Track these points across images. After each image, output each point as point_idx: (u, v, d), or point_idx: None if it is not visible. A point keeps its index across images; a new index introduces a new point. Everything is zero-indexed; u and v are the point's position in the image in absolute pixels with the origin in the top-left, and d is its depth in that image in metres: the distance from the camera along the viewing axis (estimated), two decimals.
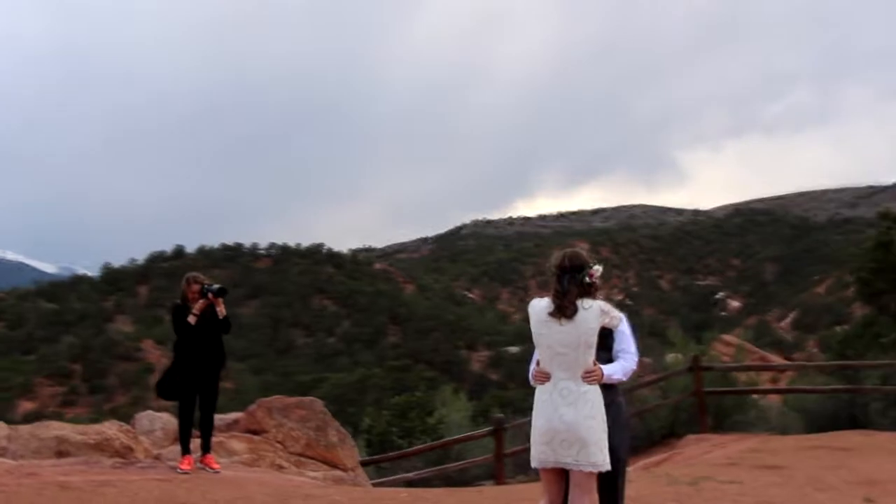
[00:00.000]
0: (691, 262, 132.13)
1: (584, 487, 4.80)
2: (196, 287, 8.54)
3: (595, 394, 4.80)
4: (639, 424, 14.47)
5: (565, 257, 4.97)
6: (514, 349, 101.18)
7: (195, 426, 8.63)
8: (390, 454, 13.45)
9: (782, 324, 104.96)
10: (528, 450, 5.05)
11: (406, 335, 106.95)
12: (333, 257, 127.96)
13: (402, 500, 7.61)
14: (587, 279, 4.90)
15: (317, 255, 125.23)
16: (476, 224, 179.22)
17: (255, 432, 10.39)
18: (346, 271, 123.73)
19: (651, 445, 14.45)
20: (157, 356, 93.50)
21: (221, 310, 8.65)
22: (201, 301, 8.48)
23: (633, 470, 9.59)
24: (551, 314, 4.86)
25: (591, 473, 4.77)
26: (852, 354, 17.00)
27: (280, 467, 9.67)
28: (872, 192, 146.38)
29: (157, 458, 9.05)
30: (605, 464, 4.76)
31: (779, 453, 9.93)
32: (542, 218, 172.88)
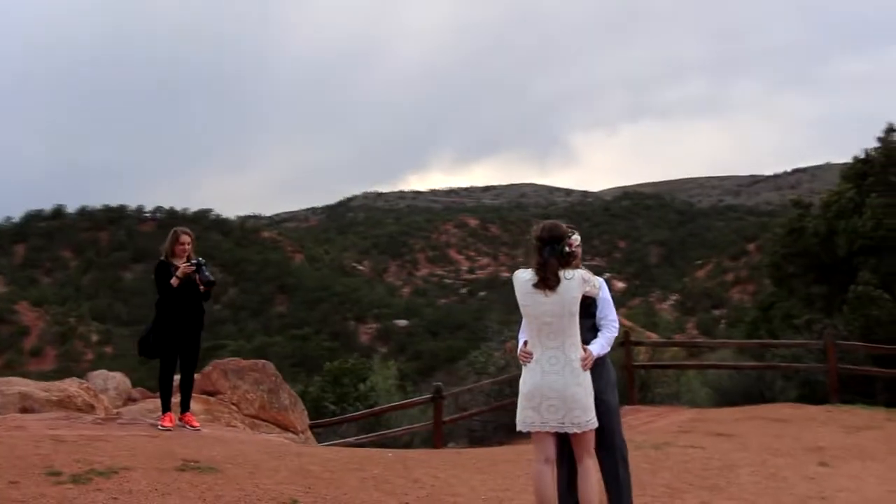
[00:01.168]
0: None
1: (585, 447, 5.07)
2: (185, 245, 8.23)
3: (578, 360, 5.01)
4: None
5: (544, 229, 5.13)
6: (402, 322, 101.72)
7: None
8: (335, 419, 13.44)
9: (664, 305, 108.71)
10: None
11: (294, 305, 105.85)
12: (221, 224, 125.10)
13: (388, 460, 7.64)
14: (567, 249, 5.05)
15: (204, 221, 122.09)
16: (367, 196, 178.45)
17: (210, 394, 10.24)
18: (234, 238, 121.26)
19: None
20: (33, 318, 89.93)
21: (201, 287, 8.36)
22: (185, 265, 8.24)
23: None
24: (536, 286, 5.00)
25: (589, 433, 5.02)
26: (763, 334, 17.78)
27: (234, 428, 9.53)
28: (754, 182, 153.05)
29: (118, 416, 8.79)
30: (588, 424, 4.99)
31: (723, 423, 10.42)
32: (434, 193, 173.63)
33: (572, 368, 4.98)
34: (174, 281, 8.10)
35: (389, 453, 8.41)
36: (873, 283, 15.28)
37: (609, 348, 5.33)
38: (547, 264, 4.98)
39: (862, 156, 17.68)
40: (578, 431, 5.00)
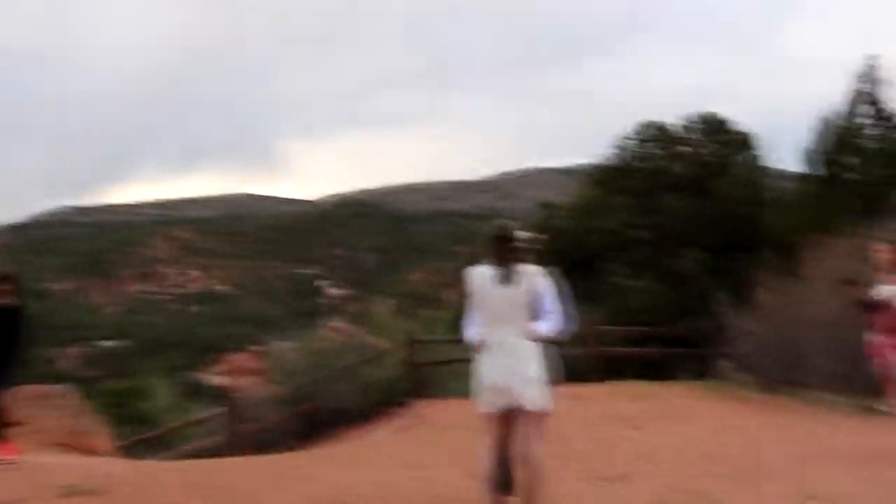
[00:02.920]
0: (296, 252, 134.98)
1: (535, 426, 5.54)
2: None
3: (533, 347, 5.53)
4: (361, 397, 15.32)
5: (499, 227, 5.68)
6: (109, 343, 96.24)
7: None
8: (144, 436, 13.02)
9: (382, 310, 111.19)
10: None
11: None
12: None
13: (266, 463, 7.79)
14: (518, 245, 5.62)
15: None
16: (63, 210, 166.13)
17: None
18: None
19: (369, 416, 15.32)
20: None
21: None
22: None
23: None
24: (494, 279, 5.53)
25: (539, 413, 5.53)
26: None
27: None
28: (464, 186, 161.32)
29: None
30: (545, 405, 5.52)
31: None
32: (140, 205, 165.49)
33: (528, 355, 5.48)
34: None
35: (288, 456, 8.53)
36: (623, 274, 17.33)
37: (555, 333, 5.77)
38: (503, 259, 5.51)
39: (604, 162, 19.87)
40: (532, 411, 5.47)
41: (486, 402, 5.59)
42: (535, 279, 5.55)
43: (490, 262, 5.55)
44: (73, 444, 10.29)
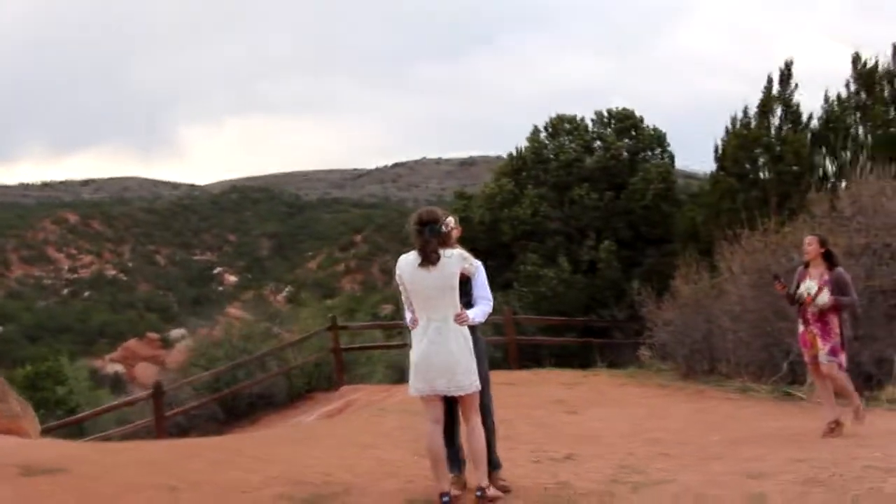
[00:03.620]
0: (188, 238, 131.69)
1: (471, 405, 5.81)
2: None
3: (461, 331, 5.73)
4: (283, 382, 15.29)
5: (422, 213, 5.82)
6: None
7: None
8: (69, 419, 12.60)
9: (278, 298, 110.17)
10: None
11: None
12: None
13: (211, 445, 7.72)
14: (443, 229, 5.79)
15: None
16: None
17: None
18: None
19: (291, 401, 15.30)
20: None
21: None
22: None
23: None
24: (420, 264, 5.67)
25: (473, 394, 5.76)
26: None
27: None
28: (358, 176, 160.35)
29: None
30: (471, 386, 5.73)
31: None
32: (25, 187, 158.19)
33: (455, 338, 5.64)
34: None
35: (209, 441, 8.43)
36: (538, 263, 17.71)
37: (483, 319, 6.07)
38: (428, 244, 5.61)
39: (515, 153, 20.22)
40: (463, 394, 5.72)
41: (418, 386, 5.77)
42: (462, 264, 5.72)
43: (416, 248, 5.67)
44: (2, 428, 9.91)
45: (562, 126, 20.44)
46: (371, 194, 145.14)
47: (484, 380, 5.96)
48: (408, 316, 5.96)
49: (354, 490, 6.28)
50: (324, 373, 15.39)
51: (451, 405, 5.94)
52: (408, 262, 5.74)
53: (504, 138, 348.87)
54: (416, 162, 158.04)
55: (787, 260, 11.84)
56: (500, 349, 16.38)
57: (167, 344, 76.28)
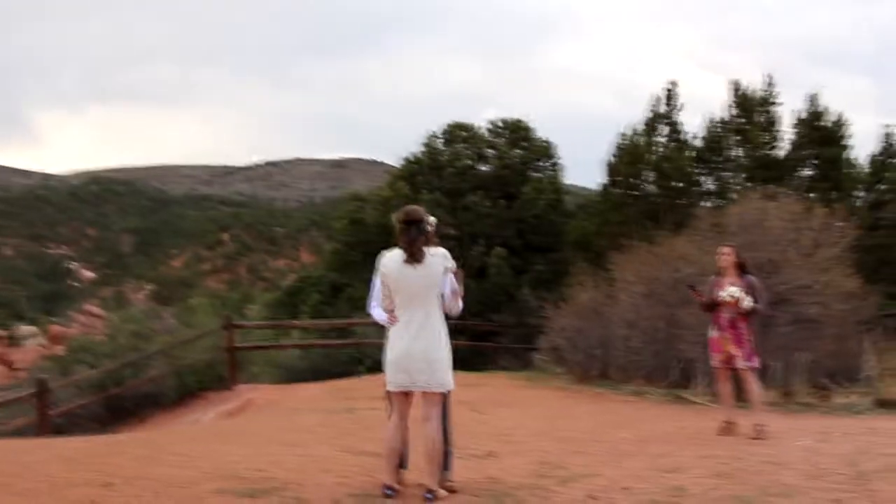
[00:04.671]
0: (41, 230, 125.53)
1: (434, 402, 5.91)
2: None
3: (441, 327, 5.87)
4: (173, 380, 14.92)
5: (408, 213, 5.93)
6: None
7: None
8: None
9: (139, 295, 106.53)
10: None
11: None
12: None
13: (124, 442, 7.58)
14: (428, 228, 5.93)
15: None
16: None
17: None
18: None
19: (181, 400, 14.94)
20: None
21: None
22: None
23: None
24: (406, 261, 5.80)
25: (442, 393, 5.90)
26: (331, 316, 19.57)
27: None
28: (227, 172, 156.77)
29: None
30: (448, 384, 5.90)
31: (356, 391, 11.80)
32: None
33: (437, 335, 5.77)
34: None
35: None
36: None
37: (457, 314, 6.08)
38: (414, 242, 5.75)
39: (412, 158, 20.46)
40: (441, 391, 5.83)
41: (393, 381, 5.86)
42: (445, 262, 5.84)
43: (400, 246, 5.78)
44: None
45: (457, 133, 20.81)
46: (240, 192, 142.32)
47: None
48: (375, 311, 6.07)
49: (291, 484, 6.31)
50: (216, 372, 15.11)
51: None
52: (393, 259, 5.83)
53: (378, 141, 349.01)
54: (287, 161, 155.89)
55: (675, 271, 12.58)
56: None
57: (14, 342, 72.32)
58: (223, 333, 15.29)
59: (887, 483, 6.11)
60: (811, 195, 15.08)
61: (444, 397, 6.04)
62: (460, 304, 6.09)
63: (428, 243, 5.84)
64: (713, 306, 8.48)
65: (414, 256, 5.74)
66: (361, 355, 16.90)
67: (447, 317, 6.03)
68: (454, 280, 6.03)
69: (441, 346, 5.80)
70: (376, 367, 16.32)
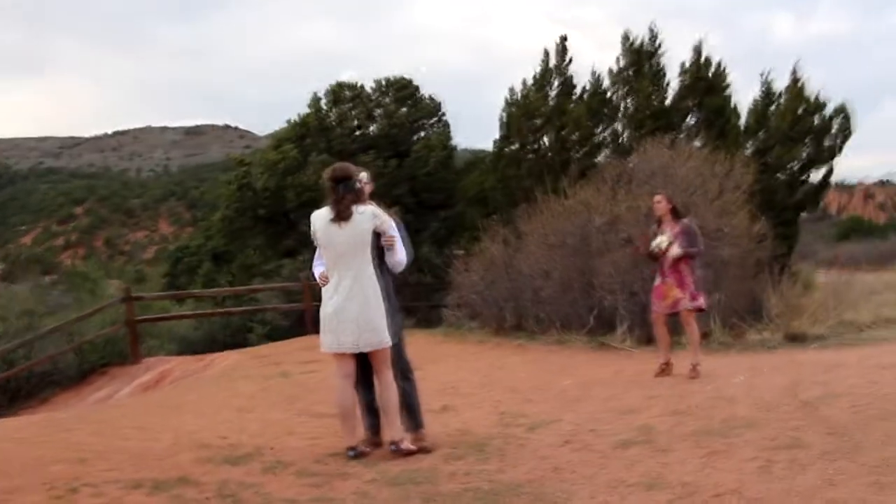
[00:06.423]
0: None
1: (382, 361, 5.83)
2: None
3: (373, 287, 5.73)
4: (72, 358, 14.23)
5: (336, 169, 5.82)
6: None
7: None
8: None
9: None
10: None
11: None
12: None
13: (71, 419, 7.17)
14: (357, 185, 5.84)
15: None
16: None
17: None
18: None
19: (83, 377, 14.26)
20: None
21: None
22: None
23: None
24: (332, 220, 5.69)
25: (383, 350, 5.79)
26: (224, 284, 19.05)
27: None
28: (75, 144, 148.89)
29: None
30: (381, 343, 5.75)
31: (282, 355, 11.54)
32: None
33: (366, 295, 5.63)
34: None
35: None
36: None
37: (400, 267, 5.97)
38: (341, 200, 5.61)
39: (299, 120, 19.98)
40: (371, 350, 5.73)
41: (323, 342, 5.80)
42: (374, 221, 5.70)
43: (329, 204, 5.67)
44: None
45: (342, 94, 20.45)
46: (90, 163, 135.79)
47: (398, 337, 5.98)
48: (317, 271, 5.91)
49: (264, 449, 6.18)
50: (118, 347, 14.46)
51: (365, 359, 5.92)
52: (320, 217, 5.68)
53: (233, 107, 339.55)
54: (139, 130, 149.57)
55: (588, 221, 12.83)
56: (295, 316, 16.29)
57: None
58: (122, 306, 14.64)
59: (833, 409, 6.46)
60: (698, 144, 15.61)
61: (395, 353, 5.93)
62: (401, 257, 5.95)
63: (358, 201, 5.69)
64: (656, 256, 8.68)
65: (339, 215, 5.61)
66: (259, 322, 16.52)
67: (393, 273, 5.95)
68: (390, 234, 5.82)
69: (374, 306, 5.66)
70: (273, 333, 16.12)
